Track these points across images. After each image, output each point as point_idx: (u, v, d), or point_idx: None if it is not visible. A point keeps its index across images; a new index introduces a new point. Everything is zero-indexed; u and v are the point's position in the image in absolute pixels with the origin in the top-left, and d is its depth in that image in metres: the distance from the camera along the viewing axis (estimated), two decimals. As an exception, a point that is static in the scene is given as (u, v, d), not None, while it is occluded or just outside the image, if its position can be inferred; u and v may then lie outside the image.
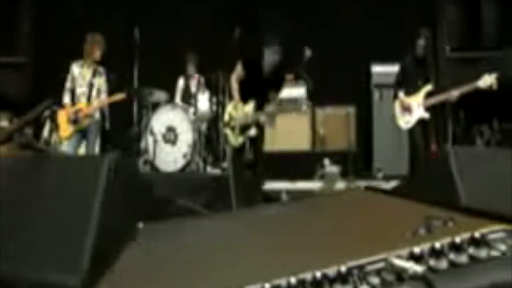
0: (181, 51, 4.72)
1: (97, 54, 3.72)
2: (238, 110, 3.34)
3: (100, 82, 3.83)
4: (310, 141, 4.70)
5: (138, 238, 1.15)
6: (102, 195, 1.31)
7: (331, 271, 0.61)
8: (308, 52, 3.99)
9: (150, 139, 4.17)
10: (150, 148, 4.15)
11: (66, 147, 3.74)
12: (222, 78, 4.56)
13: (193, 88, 4.73)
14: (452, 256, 0.65)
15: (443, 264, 0.63)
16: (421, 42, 3.85)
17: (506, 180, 1.42)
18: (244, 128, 3.29)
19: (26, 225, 1.29)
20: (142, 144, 4.33)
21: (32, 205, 1.33)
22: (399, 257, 0.63)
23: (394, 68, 4.50)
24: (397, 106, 3.97)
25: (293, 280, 0.60)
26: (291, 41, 4.02)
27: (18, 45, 5.70)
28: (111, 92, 3.92)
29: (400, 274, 0.62)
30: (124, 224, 1.29)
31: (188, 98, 4.63)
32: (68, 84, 3.83)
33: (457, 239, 0.65)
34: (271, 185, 3.71)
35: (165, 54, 4.83)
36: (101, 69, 3.88)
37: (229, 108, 3.48)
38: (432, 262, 0.64)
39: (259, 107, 3.27)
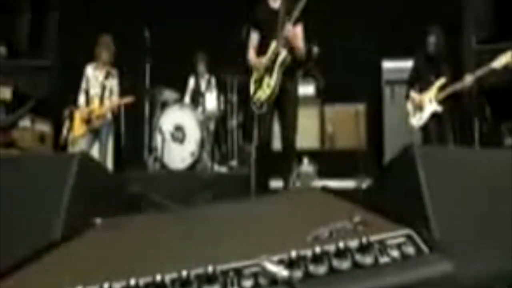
0: (192, 51, 4.80)
1: (105, 55, 3.86)
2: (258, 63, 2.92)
3: (112, 83, 3.97)
4: (319, 139, 4.64)
5: (92, 231, 1.21)
6: (70, 191, 1.39)
7: (209, 270, 0.62)
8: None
9: (158, 138, 4.28)
10: (159, 146, 4.26)
11: (80, 146, 3.91)
12: (231, 77, 4.61)
13: (203, 88, 4.80)
14: (334, 261, 0.64)
15: (322, 269, 0.63)
16: (431, 39, 3.76)
17: (472, 181, 1.36)
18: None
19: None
20: (152, 143, 4.46)
21: (5, 201, 1.42)
22: (276, 261, 0.63)
23: (406, 64, 4.36)
24: (409, 106, 3.91)
25: (167, 277, 0.62)
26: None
27: (44, 48, 6.02)
28: (123, 93, 4.07)
29: (274, 278, 0.62)
30: (89, 218, 1.35)
31: (197, 97, 4.70)
32: (83, 85, 4.01)
33: (341, 245, 0.64)
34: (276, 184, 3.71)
35: (176, 54, 4.93)
36: (113, 71, 4.02)
37: (253, 76, 3.00)
38: (311, 267, 0.63)
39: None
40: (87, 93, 3.99)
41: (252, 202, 1.22)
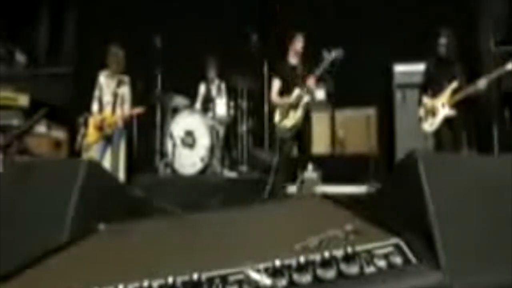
0: (202, 57, 4.86)
1: (113, 66, 3.94)
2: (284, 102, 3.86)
3: (124, 91, 4.05)
4: (330, 144, 4.61)
5: (95, 237, 1.24)
6: (77, 196, 1.43)
7: (194, 277, 0.63)
8: (335, 54, 3.86)
9: (169, 143, 4.33)
10: (169, 151, 4.31)
11: (94, 153, 4.00)
12: (241, 82, 4.65)
13: (213, 93, 4.85)
14: (319, 271, 0.64)
15: (306, 278, 0.63)
16: (442, 41, 3.68)
17: (473, 187, 1.33)
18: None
19: (11, 223, 1.42)
20: (163, 148, 4.52)
21: (18, 204, 1.47)
22: (259, 269, 0.63)
23: (418, 67, 4.30)
24: (422, 111, 3.83)
25: (154, 284, 0.63)
26: (310, 42, 4.00)
27: (62, 56, 6.21)
28: (136, 99, 4.15)
29: (257, 286, 0.62)
30: (95, 222, 1.38)
31: (208, 103, 4.75)
32: (96, 93, 4.10)
33: (326, 254, 0.64)
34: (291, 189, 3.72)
35: (187, 61, 5.00)
36: (125, 79, 4.09)
37: (278, 111, 3.90)
38: (296, 276, 0.63)
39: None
40: (100, 100, 4.08)
41: (249, 210, 1.23)
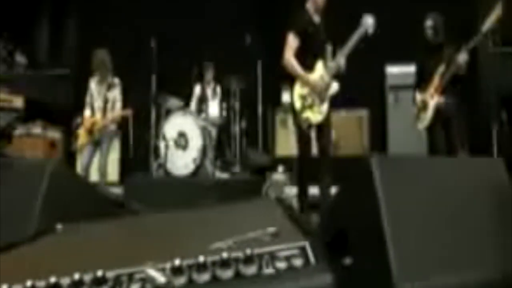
0: (198, 59, 4.91)
1: (100, 72, 3.98)
2: (309, 83, 2.94)
3: (115, 93, 4.06)
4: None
5: (50, 236, 1.29)
6: (44, 195, 1.48)
7: (98, 274, 0.67)
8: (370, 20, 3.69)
9: (162, 145, 4.39)
10: (162, 153, 4.37)
11: (84, 155, 4.05)
12: (235, 82, 4.69)
13: (209, 95, 4.89)
14: (218, 271, 0.67)
15: (204, 277, 0.66)
16: (428, 23, 3.37)
17: (427, 188, 1.35)
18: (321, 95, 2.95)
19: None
20: (157, 150, 4.57)
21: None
22: (158, 268, 0.66)
23: (410, 69, 4.26)
24: (415, 110, 3.56)
25: (62, 280, 0.67)
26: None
27: (62, 58, 6.32)
28: (130, 101, 4.19)
29: (156, 284, 0.65)
30: (59, 222, 1.43)
31: (202, 104, 4.80)
32: (87, 99, 4.13)
33: (225, 255, 0.67)
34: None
35: (182, 63, 5.05)
36: (116, 81, 4.12)
37: (297, 89, 2.99)
38: (195, 275, 0.66)
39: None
40: (92, 106, 4.11)
41: (199, 211, 1.26)
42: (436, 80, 3.37)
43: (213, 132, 4.60)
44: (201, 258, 0.67)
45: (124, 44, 5.15)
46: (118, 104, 4.09)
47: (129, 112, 4.05)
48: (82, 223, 1.36)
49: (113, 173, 4.89)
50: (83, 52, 5.97)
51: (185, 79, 4.98)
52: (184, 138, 4.44)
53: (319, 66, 2.91)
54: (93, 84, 4.13)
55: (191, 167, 4.37)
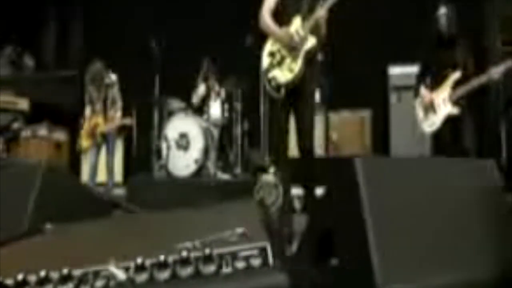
0: (200, 60, 4.94)
1: (97, 94, 4.01)
2: (278, 35, 2.52)
3: (114, 91, 4.11)
4: (323, 146, 4.61)
5: (39, 236, 1.32)
6: (36, 196, 1.53)
7: (64, 272, 0.69)
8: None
9: (164, 145, 4.43)
10: (164, 153, 4.41)
11: (89, 155, 4.12)
12: (237, 83, 4.71)
13: (211, 96, 4.92)
14: (178, 269, 0.69)
15: (164, 275, 0.68)
16: (442, 10, 3.08)
17: (413, 189, 1.35)
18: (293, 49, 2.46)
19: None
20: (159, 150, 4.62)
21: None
22: (120, 266, 0.69)
23: (413, 69, 4.20)
24: (419, 107, 3.25)
25: (29, 277, 0.70)
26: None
27: (69, 59, 6.43)
28: (134, 103, 4.24)
29: (119, 281, 0.68)
30: (50, 221, 1.47)
31: (204, 105, 4.83)
32: (86, 98, 4.18)
33: (184, 254, 0.69)
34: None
35: (184, 64, 5.10)
36: (113, 78, 4.14)
37: (267, 48, 2.59)
38: (156, 273, 0.68)
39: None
40: (92, 107, 4.15)
41: (178, 212, 1.29)
42: (449, 85, 3.10)
43: (215, 133, 4.63)
44: (162, 257, 0.70)
45: (128, 46, 5.21)
46: (119, 104, 4.14)
47: (128, 121, 4.11)
48: (72, 224, 1.40)
49: (117, 173, 4.96)
50: (89, 54, 6.09)
51: (187, 80, 5.02)
52: (186, 139, 4.48)
53: (296, 21, 2.49)
54: (90, 88, 4.17)
55: (192, 168, 4.40)
